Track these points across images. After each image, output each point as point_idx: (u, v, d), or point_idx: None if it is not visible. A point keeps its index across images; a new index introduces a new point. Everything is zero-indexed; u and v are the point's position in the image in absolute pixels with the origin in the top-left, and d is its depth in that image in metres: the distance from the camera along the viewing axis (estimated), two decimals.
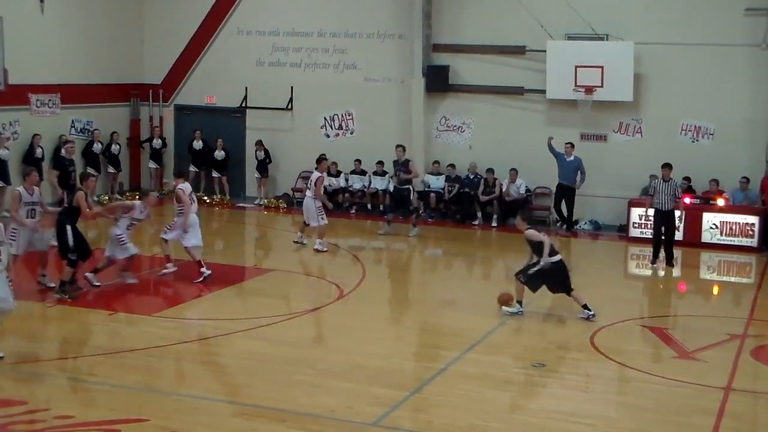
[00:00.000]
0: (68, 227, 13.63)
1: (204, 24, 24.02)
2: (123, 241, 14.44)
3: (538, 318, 13.69)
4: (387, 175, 22.20)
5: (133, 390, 10.08)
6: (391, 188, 20.81)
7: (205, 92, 24.25)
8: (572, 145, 20.13)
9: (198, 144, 23.71)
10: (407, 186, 19.61)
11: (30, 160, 20.96)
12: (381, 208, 22.02)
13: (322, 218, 17.56)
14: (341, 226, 20.28)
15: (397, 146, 19.85)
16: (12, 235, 13.40)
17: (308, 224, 17.79)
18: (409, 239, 19.10)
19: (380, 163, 22.17)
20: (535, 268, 13.32)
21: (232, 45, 23.82)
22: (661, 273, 16.84)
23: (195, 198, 15.79)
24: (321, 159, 18.32)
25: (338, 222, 20.84)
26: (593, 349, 12.03)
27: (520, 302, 13.47)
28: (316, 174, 17.92)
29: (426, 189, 21.77)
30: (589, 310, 13.31)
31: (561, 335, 12.82)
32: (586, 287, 15.90)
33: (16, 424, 9.03)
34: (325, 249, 17.54)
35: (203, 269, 14.93)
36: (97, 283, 14.27)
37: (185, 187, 15.43)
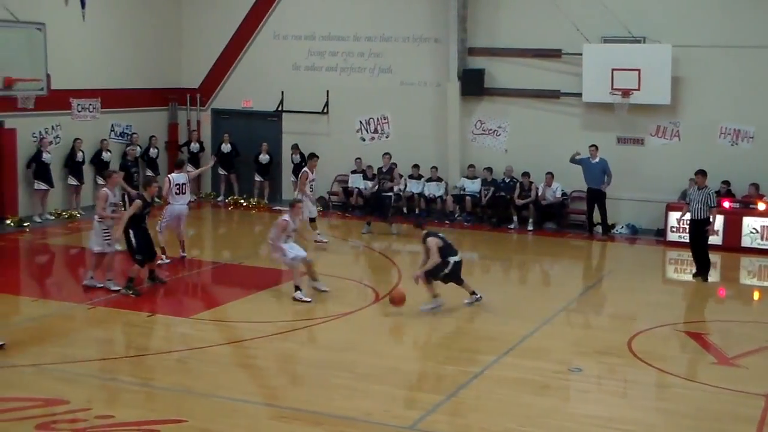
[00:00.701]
0: (130, 230, 14.18)
1: (241, 29, 24.19)
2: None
3: (575, 323, 13.63)
4: (422, 179, 22.24)
5: (172, 391, 10.18)
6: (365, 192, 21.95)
7: (242, 96, 24.42)
8: (596, 147, 20.02)
9: (226, 147, 23.89)
10: (390, 193, 20.04)
11: (71, 163, 21.29)
12: (416, 212, 22.05)
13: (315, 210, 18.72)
14: (377, 229, 20.31)
15: (384, 154, 20.42)
16: (105, 236, 14.28)
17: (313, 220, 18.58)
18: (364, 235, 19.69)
19: (416, 166, 22.19)
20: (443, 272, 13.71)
21: (269, 49, 23.96)
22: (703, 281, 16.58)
23: (186, 189, 16.67)
24: (311, 156, 19.03)
25: (374, 225, 20.88)
26: (631, 354, 11.95)
27: (436, 296, 13.80)
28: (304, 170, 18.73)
29: (462, 193, 21.76)
30: (476, 294, 14.05)
31: (598, 340, 12.74)
32: (624, 292, 15.87)
33: (58, 423, 9.17)
34: (325, 240, 18.57)
35: (163, 256, 16.01)
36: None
37: (174, 176, 16.51)
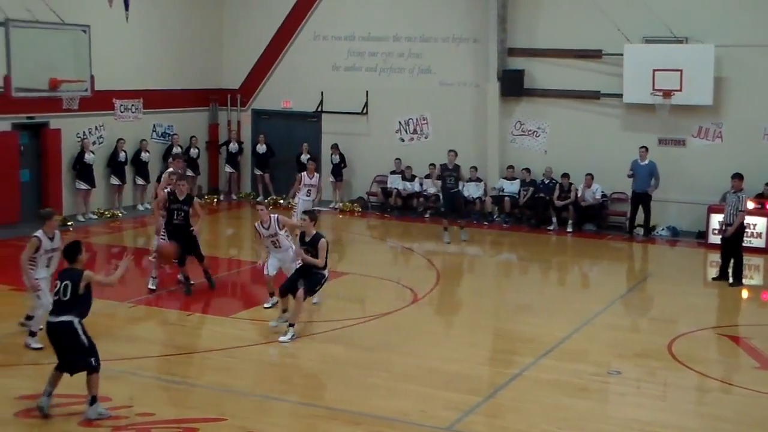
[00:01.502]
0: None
1: (281, 29, 24.33)
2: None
3: (614, 325, 13.54)
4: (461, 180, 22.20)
5: (211, 390, 10.28)
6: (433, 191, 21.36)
7: (282, 97, 24.56)
8: (646, 149, 19.88)
9: (261, 148, 24.04)
10: (457, 189, 19.62)
11: (114, 163, 21.57)
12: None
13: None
14: (416, 230, 20.33)
15: (449, 151, 19.79)
16: (164, 237, 14.42)
17: None
18: (467, 243, 19.14)
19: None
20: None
21: (309, 50, 24.07)
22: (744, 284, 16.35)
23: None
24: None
25: (413, 226, 20.93)
26: (671, 358, 11.86)
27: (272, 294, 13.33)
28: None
29: (500, 194, 21.71)
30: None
31: (638, 343, 12.66)
32: (664, 294, 15.74)
33: (100, 419, 9.28)
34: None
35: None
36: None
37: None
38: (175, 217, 14.24)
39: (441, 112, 22.83)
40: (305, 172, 18.43)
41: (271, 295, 13.52)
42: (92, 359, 9.31)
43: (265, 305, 13.61)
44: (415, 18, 22.98)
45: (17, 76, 16.72)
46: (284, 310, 12.52)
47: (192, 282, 14.63)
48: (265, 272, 13.44)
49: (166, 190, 14.73)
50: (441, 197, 20.33)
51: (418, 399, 10.12)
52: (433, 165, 22.40)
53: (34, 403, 9.53)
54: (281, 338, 12.07)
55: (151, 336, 12.61)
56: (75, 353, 9.31)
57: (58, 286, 9.45)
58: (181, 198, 14.28)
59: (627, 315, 14.59)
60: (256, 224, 13.54)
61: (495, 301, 15.35)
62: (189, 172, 23.05)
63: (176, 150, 22.90)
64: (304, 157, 23.64)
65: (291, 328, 12.14)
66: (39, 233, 11.20)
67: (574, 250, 19.63)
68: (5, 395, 9.88)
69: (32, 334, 11.40)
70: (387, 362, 11.32)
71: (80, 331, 9.33)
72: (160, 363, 11.26)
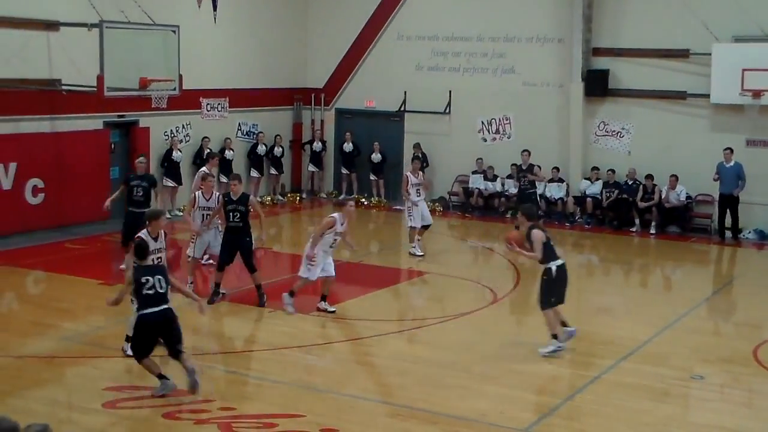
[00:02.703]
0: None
1: (365, 29, 24.50)
2: (313, 263, 13.22)
3: (698, 329, 13.31)
4: (543, 180, 22.04)
5: (291, 386, 10.42)
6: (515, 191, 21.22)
7: (365, 96, 24.72)
8: (731, 151, 19.45)
9: (348, 146, 24.22)
10: (533, 190, 19.52)
11: (200, 161, 21.98)
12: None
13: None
14: (497, 230, 20.26)
15: (523, 151, 19.83)
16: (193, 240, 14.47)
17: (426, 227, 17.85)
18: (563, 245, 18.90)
19: (537, 167, 22.02)
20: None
21: (392, 49, 24.18)
22: None
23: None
24: (412, 159, 18.97)
25: (494, 226, 20.86)
26: (757, 364, 11.60)
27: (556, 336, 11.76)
28: None
29: (582, 194, 21.49)
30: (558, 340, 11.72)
31: (722, 347, 12.42)
32: (750, 298, 15.40)
33: (183, 412, 9.53)
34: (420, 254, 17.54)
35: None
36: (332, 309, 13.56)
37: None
38: (231, 219, 13.48)
39: (524, 113, 22.70)
40: (410, 172, 18.02)
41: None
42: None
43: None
44: (499, 18, 22.88)
45: (109, 76, 17.15)
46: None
47: (223, 292, 13.91)
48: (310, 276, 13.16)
49: (199, 192, 14.44)
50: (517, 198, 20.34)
51: (496, 400, 10.11)
52: (515, 165, 22.33)
53: (119, 395, 9.83)
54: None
55: (233, 332, 12.84)
56: (179, 336, 9.96)
57: (152, 281, 9.78)
58: (235, 198, 13.50)
59: (711, 319, 14.33)
60: (334, 215, 13.32)
61: (575, 303, 15.18)
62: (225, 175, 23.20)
63: (261, 148, 23.29)
64: (375, 157, 23.80)
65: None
66: (143, 233, 10.75)
67: (656, 252, 19.32)
68: (93, 386, 10.19)
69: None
70: (466, 362, 11.33)
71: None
72: (241, 359, 11.46)
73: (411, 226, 17.64)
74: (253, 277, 13.73)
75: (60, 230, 18.29)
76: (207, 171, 15.57)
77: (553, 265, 11.63)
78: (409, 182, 17.59)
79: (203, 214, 14.36)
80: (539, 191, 21.79)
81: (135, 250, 10.20)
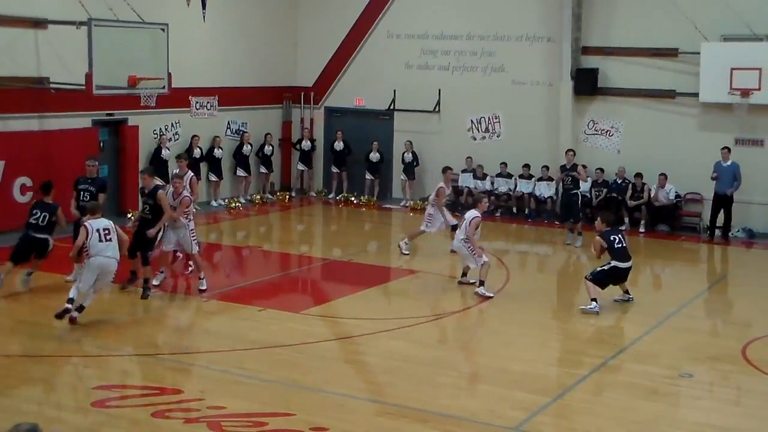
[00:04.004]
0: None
1: (355, 28, 24.49)
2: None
3: (687, 328, 13.34)
4: (533, 179, 22.10)
5: (281, 385, 10.41)
6: (557, 194, 20.87)
7: (355, 94, 24.71)
8: (729, 150, 19.51)
9: (339, 145, 24.20)
10: (576, 191, 18.93)
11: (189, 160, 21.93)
12: (526, 212, 21.97)
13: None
14: (487, 229, 20.24)
15: (567, 150, 19.41)
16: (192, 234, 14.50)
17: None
18: (568, 246, 18.82)
19: (526, 166, 22.09)
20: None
21: (382, 48, 24.18)
22: None
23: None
24: (445, 169, 18.29)
25: (483, 225, 20.78)
26: (745, 362, 11.64)
27: (595, 300, 13.64)
28: None
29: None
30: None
31: (711, 346, 12.46)
32: (739, 297, 15.47)
33: (173, 411, 9.49)
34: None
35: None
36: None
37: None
38: (142, 211, 14.24)
39: (513, 111, 22.73)
40: (442, 183, 17.68)
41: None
42: None
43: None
44: (489, 16, 22.90)
45: (98, 74, 17.09)
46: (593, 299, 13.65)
47: (155, 283, 14.22)
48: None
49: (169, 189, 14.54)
50: (558, 198, 19.77)
51: (486, 398, 10.12)
52: (504, 164, 22.36)
53: (109, 394, 9.81)
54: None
55: (223, 330, 12.81)
56: None
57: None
58: (147, 191, 14.16)
59: (700, 317, 14.37)
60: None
61: (565, 301, 15.24)
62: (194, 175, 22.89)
63: (247, 148, 23.23)
64: (374, 156, 23.79)
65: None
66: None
67: (646, 250, 19.33)
68: (83, 385, 10.17)
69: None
70: (456, 361, 11.35)
71: None
72: (231, 357, 11.44)
73: (422, 231, 17.50)
74: (144, 268, 13.95)
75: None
76: (176, 172, 15.34)
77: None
78: (444, 193, 17.55)
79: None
80: (528, 190, 21.88)
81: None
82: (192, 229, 14.41)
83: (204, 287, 14.25)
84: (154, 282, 14.21)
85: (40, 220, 13.97)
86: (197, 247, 14.59)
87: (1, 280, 13.71)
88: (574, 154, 19.11)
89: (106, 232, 12.26)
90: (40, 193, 14.51)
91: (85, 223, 12.33)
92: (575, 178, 18.71)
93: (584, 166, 19.62)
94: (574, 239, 18.82)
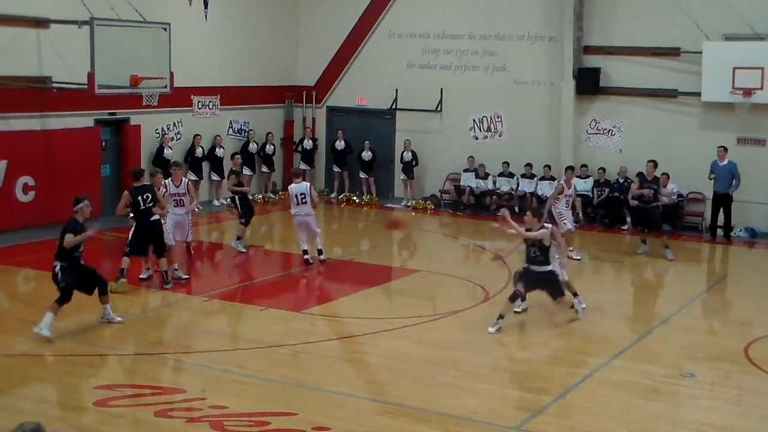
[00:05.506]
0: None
1: (357, 27, 24.50)
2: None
3: (688, 327, 13.34)
4: (535, 178, 22.10)
5: (282, 384, 10.42)
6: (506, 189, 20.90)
7: (357, 94, 24.71)
8: (725, 149, 19.48)
9: (340, 144, 24.20)
10: (656, 203, 17.85)
11: (191, 159, 21.99)
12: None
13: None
14: (488, 229, 20.25)
15: (648, 161, 18.17)
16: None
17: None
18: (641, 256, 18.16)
19: (528, 165, 22.09)
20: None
21: (384, 47, 24.18)
22: None
23: (184, 201, 15.57)
24: (567, 169, 18.00)
25: (485, 224, 20.84)
26: (747, 361, 11.64)
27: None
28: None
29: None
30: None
31: (712, 345, 12.46)
32: (741, 296, 15.46)
33: (175, 410, 9.52)
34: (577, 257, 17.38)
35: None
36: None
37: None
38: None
39: (515, 110, 22.73)
40: (564, 182, 17.21)
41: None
42: None
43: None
44: (490, 16, 22.90)
45: (100, 74, 17.12)
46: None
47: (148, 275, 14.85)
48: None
49: (168, 180, 15.31)
50: (633, 208, 18.59)
51: (487, 397, 10.13)
52: (506, 163, 22.35)
53: (111, 393, 9.83)
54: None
55: (224, 329, 12.83)
56: None
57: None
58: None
59: (702, 317, 14.38)
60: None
61: (566, 301, 15.22)
62: (247, 171, 23.13)
63: (252, 146, 23.27)
64: (366, 155, 23.78)
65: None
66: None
67: (648, 250, 19.33)
68: (85, 385, 10.18)
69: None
70: (457, 360, 11.35)
71: None
72: (232, 356, 11.45)
73: (569, 230, 16.96)
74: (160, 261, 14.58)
75: (50, 228, 18.17)
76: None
77: None
78: (564, 191, 17.10)
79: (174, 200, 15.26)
80: (530, 190, 21.87)
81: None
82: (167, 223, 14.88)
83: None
84: (142, 275, 14.73)
85: (147, 202, 14.19)
86: (172, 242, 14.98)
87: (123, 281, 14.04)
88: (655, 165, 18.03)
89: (302, 196, 15.98)
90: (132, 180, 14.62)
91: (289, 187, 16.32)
92: (656, 190, 17.75)
93: (667, 175, 18.91)
94: (665, 253, 17.79)
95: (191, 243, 16.28)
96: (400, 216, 12.78)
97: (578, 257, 17.45)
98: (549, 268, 12.59)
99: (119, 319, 12.35)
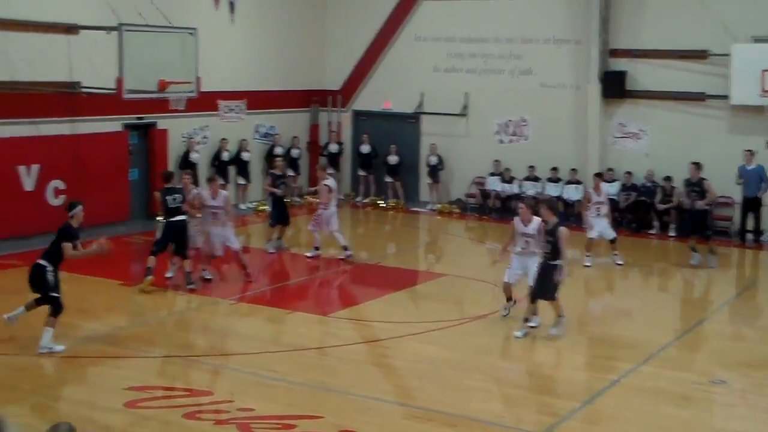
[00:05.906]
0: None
1: (382, 31, 24.51)
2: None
3: (719, 333, 13.24)
4: (561, 182, 22.02)
5: (309, 387, 10.46)
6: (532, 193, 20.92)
7: (382, 98, 24.73)
8: (752, 153, 19.32)
9: (365, 148, 24.22)
10: (706, 207, 17.41)
11: (217, 163, 22.08)
12: None
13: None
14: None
15: (691, 163, 17.72)
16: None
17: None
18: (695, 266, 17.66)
19: (554, 169, 22.02)
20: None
21: (409, 51, 24.19)
22: None
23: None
24: (596, 175, 17.90)
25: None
26: None
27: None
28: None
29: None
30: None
31: (743, 352, 12.34)
32: None
33: (203, 412, 9.57)
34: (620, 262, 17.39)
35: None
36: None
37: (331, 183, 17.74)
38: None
39: (541, 114, 22.66)
40: (592, 189, 17.38)
41: (509, 300, 13.41)
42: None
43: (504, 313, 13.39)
44: (516, 19, 22.85)
45: (128, 78, 17.26)
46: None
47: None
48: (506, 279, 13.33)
49: (207, 193, 15.47)
50: (683, 213, 18.45)
51: (514, 402, 10.11)
52: (532, 167, 22.28)
53: (141, 395, 9.90)
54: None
55: (252, 333, 12.87)
56: None
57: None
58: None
59: (732, 323, 14.25)
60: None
61: (594, 306, 15.19)
62: (290, 172, 23.30)
63: (278, 150, 23.32)
64: (392, 159, 23.78)
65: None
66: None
67: (676, 255, 19.19)
68: (115, 386, 10.25)
69: None
70: (484, 365, 11.33)
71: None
72: (260, 359, 11.49)
73: (590, 238, 17.15)
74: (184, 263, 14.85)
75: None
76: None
77: None
78: (592, 199, 17.15)
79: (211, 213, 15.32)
80: (556, 194, 21.78)
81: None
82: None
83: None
84: (168, 274, 15.00)
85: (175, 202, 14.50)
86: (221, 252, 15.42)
87: (150, 278, 14.30)
88: (698, 168, 17.61)
89: None
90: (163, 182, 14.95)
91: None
92: (700, 192, 17.26)
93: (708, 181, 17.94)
94: (709, 260, 17.36)
95: (239, 251, 15.82)
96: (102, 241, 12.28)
97: (620, 262, 17.29)
98: (557, 262, 12.37)
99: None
